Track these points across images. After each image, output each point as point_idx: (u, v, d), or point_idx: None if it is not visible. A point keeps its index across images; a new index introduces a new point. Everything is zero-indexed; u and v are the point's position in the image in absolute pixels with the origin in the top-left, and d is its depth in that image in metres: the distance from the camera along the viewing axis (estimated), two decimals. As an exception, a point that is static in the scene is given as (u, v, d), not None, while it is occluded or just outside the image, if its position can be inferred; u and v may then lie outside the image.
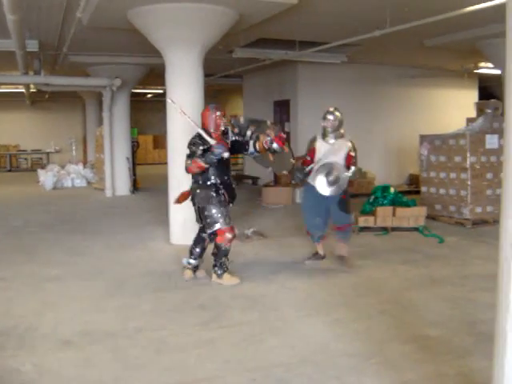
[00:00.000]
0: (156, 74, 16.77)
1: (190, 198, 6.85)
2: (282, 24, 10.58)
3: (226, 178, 6.78)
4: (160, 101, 29.68)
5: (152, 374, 4.43)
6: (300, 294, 6.45)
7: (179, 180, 8.88)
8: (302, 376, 4.34)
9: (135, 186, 16.51)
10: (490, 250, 8.37)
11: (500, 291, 2.70)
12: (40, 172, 19.84)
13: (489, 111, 11.46)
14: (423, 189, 11.66)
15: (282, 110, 16.61)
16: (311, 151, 7.52)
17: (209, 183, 6.63)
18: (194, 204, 6.80)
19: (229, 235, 6.58)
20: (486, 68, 15.34)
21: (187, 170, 6.50)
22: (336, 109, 7.52)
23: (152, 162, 27.43)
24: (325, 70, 15.34)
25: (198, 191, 6.64)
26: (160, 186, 16.72)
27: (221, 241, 6.59)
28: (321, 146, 7.43)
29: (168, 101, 6.56)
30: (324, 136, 7.47)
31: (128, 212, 12.80)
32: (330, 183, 7.20)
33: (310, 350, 4.84)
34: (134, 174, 16.57)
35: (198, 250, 7.04)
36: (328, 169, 7.21)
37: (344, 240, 7.65)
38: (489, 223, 10.44)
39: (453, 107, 17.31)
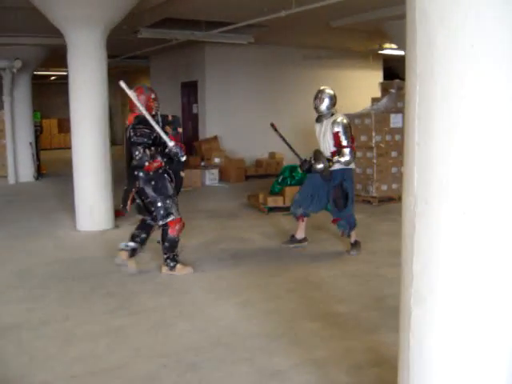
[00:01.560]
0: (59, 56, 16.23)
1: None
2: (188, 4, 10.44)
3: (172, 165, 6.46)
4: (64, 83, 28.85)
5: (60, 365, 4.30)
6: (210, 277, 6.43)
7: (84, 165, 8.73)
8: (214, 359, 4.32)
9: (39, 172, 15.96)
10: (395, 227, 8.47)
11: (404, 267, 2.75)
12: None
13: (393, 91, 11.72)
14: (330, 168, 11.80)
15: (190, 91, 16.47)
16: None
17: (160, 171, 6.24)
18: (143, 197, 6.30)
19: (179, 226, 6.32)
20: (391, 49, 15.68)
21: (144, 168, 6.05)
22: (326, 88, 7.32)
23: (57, 147, 26.62)
24: (232, 51, 15.29)
25: (152, 182, 6.17)
26: (66, 171, 16.26)
27: (173, 232, 6.27)
28: (316, 128, 7.32)
29: (121, 84, 6.13)
30: (318, 117, 7.28)
31: (32, 199, 12.37)
32: (318, 171, 7.05)
33: (221, 333, 4.83)
34: (38, 160, 16.00)
35: (143, 235, 6.57)
36: (315, 156, 7.14)
37: (343, 231, 7.28)
38: (394, 200, 10.72)
39: (359, 87, 17.62)
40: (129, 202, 6.24)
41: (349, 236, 7.27)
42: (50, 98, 28.08)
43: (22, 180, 15.28)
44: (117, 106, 25.83)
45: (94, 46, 8.71)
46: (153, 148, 6.04)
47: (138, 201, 6.36)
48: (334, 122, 6.94)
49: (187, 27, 12.83)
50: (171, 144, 6.02)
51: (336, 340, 4.59)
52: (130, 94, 6.15)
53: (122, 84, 6.13)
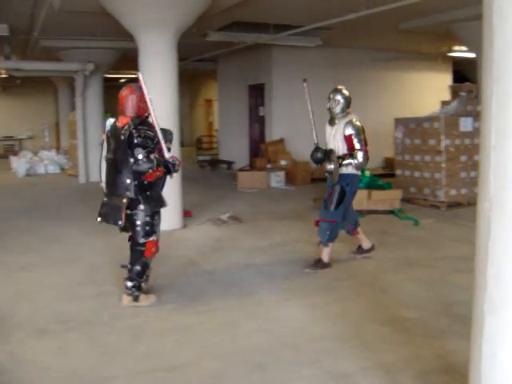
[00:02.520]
0: (129, 59, 16.60)
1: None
2: (257, 7, 10.51)
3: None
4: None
5: (128, 360, 4.41)
6: (277, 279, 6.45)
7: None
8: (280, 360, 4.34)
9: (110, 172, 16.32)
10: (464, 232, 8.45)
11: (477, 272, 2.70)
12: (12, 159, 19.57)
13: (463, 94, 11.49)
14: (398, 172, 11.70)
15: (257, 94, 16.56)
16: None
17: (155, 181, 5.48)
18: (134, 212, 5.40)
19: (155, 248, 5.57)
20: (460, 51, 15.39)
21: (145, 175, 5.28)
22: (341, 87, 6.87)
23: (126, 148, 27.12)
24: (299, 53, 15.28)
25: (147, 193, 5.37)
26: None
27: (148, 255, 5.49)
28: (326, 130, 6.82)
29: (140, 76, 5.33)
30: (331, 119, 6.78)
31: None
32: (327, 172, 6.63)
33: (288, 334, 4.84)
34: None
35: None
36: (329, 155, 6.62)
37: (320, 240, 6.76)
38: (463, 205, 10.51)
39: (427, 90, 17.37)
40: (123, 216, 5.28)
41: (324, 245, 6.66)
42: (120, 100, 28.68)
43: (92, 180, 15.64)
44: (184, 107, 26.17)
45: (166, 49, 8.88)
46: (156, 155, 5.30)
47: (128, 212, 5.40)
48: (347, 124, 6.53)
49: (255, 30, 12.91)
50: (168, 155, 5.38)
51: (404, 345, 4.54)
52: (145, 90, 5.34)
53: (141, 77, 5.36)
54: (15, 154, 22.75)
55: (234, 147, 17.95)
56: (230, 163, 17.81)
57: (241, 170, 14.93)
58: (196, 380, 4.09)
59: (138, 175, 5.25)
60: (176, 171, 5.49)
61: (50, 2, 9.01)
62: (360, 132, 6.54)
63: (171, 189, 8.94)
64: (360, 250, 7.29)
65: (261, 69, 16.10)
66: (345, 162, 6.49)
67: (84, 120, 15.55)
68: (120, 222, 5.33)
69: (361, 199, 9.83)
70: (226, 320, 5.21)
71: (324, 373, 4.12)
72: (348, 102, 6.70)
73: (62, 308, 5.62)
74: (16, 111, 27.42)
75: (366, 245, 7.25)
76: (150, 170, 5.21)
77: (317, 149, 6.78)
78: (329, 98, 6.70)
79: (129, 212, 5.36)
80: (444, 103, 12.02)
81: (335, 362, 4.29)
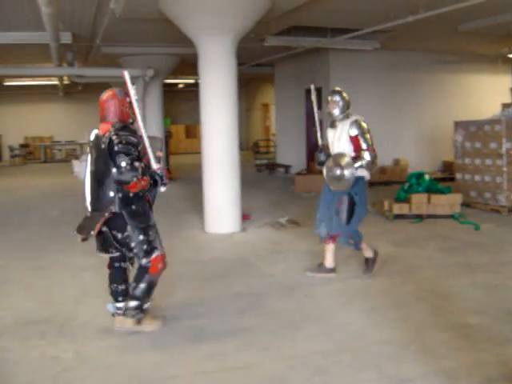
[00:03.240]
0: (188, 64, 16.86)
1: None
2: (314, 11, 10.53)
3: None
4: (192, 91, 29.93)
5: (190, 360, 4.48)
6: (336, 282, 6.45)
7: (213, 169, 9.00)
8: (341, 364, 4.34)
9: (169, 176, 16.58)
10: (527, 237, 8.28)
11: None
12: (74, 163, 20.08)
13: (525, 96, 11.28)
14: (458, 176, 11.53)
15: (314, 97, 16.52)
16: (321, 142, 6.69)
17: (141, 194, 4.90)
18: (114, 229, 4.90)
19: (162, 264, 5.09)
20: (521, 53, 15.09)
21: (129, 185, 4.68)
22: (339, 89, 6.52)
23: (184, 152, 27.52)
24: (357, 57, 15.22)
25: (132, 207, 4.82)
26: (193, 175, 16.84)
27: (155, 272, 5.00)
28: (328, 134, 6.48)
29: (126, 76, 4.78)
30: (332, 121, 6.44)
31: (162, 201, 12.77)
32: (335, 178, 6.24)
33: (348, 338, 4.84)
34: (168, 164, 16.66)
35: (122, 287, 5.20)
36: (334, 161, 6.24)
37: (353, 244, 6.53)
38: (526, 210, 10.30)
39: (487, 93, 17.05)
40: (97, 227, 4.79)
41: (357, 249, 6.54)
42: (178, 105, 29.11)
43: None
44: (241, 111, 26.35)
45: (225, 54, 8.99)
46: (142, 163, 4.76)
47: (104, 229, 4.91)
48: (352, 124, 6.21)
49: (312, 34, 12.92)
50: (156, 166, 4.88)
51: (466, 351, 4.48)
52: (131, 89, 4.84)
53: (127, 76, 4.82)
54: (77, 157, 23.34)
55: (291, 151, 17.99)
56: (287, 167, 17.86)
57: (298, 173, 14.96)
58: (257, 382, 4.13)
59: (121, 187, 4.72)
60: (164, 184, 4.94)
61: (111, 9, 9.21)
62: (365, 131, 6.22)
63: (230, 192, 9.10)
64: (321, 266, 6.75)
65: (318, 73, 16.09)
66: (356, 164, 6.11)
67: (145, 125, 15.76)
68: (92, 233, 4.81)
69: (420, 203, 9.76)
70: (285, 323, 5.24)
71: (385, 377, 4.10)
72: (347, 103, 6.39)
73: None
74: (78, 116, 28.11)
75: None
76: (135, 179, 4.62)
77: (320, 150, 6.55)
78: (327, 101, 6.41)
79: (120, 236, 4.87)
80: (505, 106, 11.81)
81: (396, 366, 4.27)
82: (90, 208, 5.03)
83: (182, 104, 29.66)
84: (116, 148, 4.65)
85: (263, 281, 6.51)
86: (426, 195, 9.85)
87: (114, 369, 4.38)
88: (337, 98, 6.34)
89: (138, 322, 5.05)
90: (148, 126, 15.78)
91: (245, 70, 18.91)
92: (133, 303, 4.99)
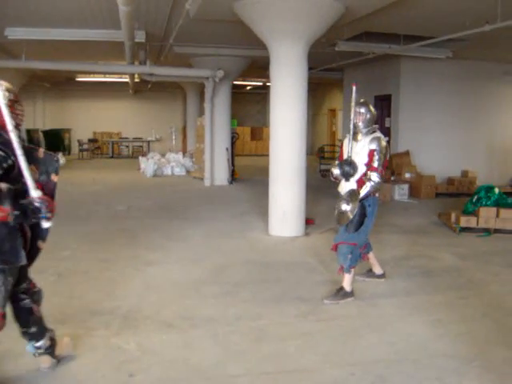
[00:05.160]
0: (256, 67, 16.95)
1: None
2: (388, 17, 10.43)
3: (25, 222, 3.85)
4: (259, 93, 30.18)
5: (252, 361, 4.51)
6: (399, 292, 6.37)
7: (280, 172, 9.02)
8: (402, 374, 4.29)
9: (233, 177, 16.72)
10: None
11: None
12: (141, 159, 20.48)
13: None
14: (529, 190, 11.22)
15: (383, 104, 16.36)
16: (341, 152, 6.42)
17: (12, 224, 3.67)
18: None
19: None
20: None
21: None
22: (367, 101, 6.31)
23: (249, 154, 27.67)
24: (428, 65, 15.00)
25: None
26: (257, 177, 16.94)
27: None
28: (347, 145, 6.14)
29: None
30: (355, 133, 6.16)
31: (226, 202, 12.95)
32: (340, 212, 6.05)
33: (410, 349, 4.78)
34: (233, 165, 16.78)
35: (33, 329, 4.19)
36: (345, 199, 6.05)
37: (342, 266, 6.12)
38: None
39: None
40: None
41: (347, 272, 6.06)
42: (245, 107, 29.27)
43: (216, 183, 16.08)
44: (307, 115, 26.32)
45: (297, 58, 8.99)
46: (3, 184, 3.53)
47: None
48: (373, 140, 5.99)
49: (384, 40, 12.80)
50: (35, 194, 3.61)
51: (533, 371, 4.37)
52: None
53: None
54: (143, 155, 23.76)
55: (357, 158, 17.84)
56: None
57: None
58: (317, 386, 4.13)
59: None
60: (39, 219, 3.63)
61: (186, 10, 9.33)
62: (382, 151, 5.98)
63: (296, 195, 9.10)
64: (370, 273, 6.85)
65: (388, 79, 15.93)
66: (362, 192, 5.90)
67: (212, 125, 15.99)
68: None
69: (489, 217, 9.53)
70: (347, 329, 5.20)
71: (447, 391, 4.04)
72: (373, 117, 6.15)
73: (187, 304, 5.83)
74: (145, 114, 28.62)
75: (378, 271, 6.80)
76: None
77: (349, 162, 6.07)
78: (353, 112, 6.11)
79: None
80: None
81: (458, 381, 4.19)
82: None
83: (248, 106, 29.82)
84: None
85: (325, 286, 6.47)
86: (495, 209, 9.61)
87: (175, 363, 4.45)
88: (362, 109, 6.11)
89: None
90: (215, 126, 15.98)
91: (313, 75, 18.88)
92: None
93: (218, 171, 16.12)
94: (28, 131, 24.92)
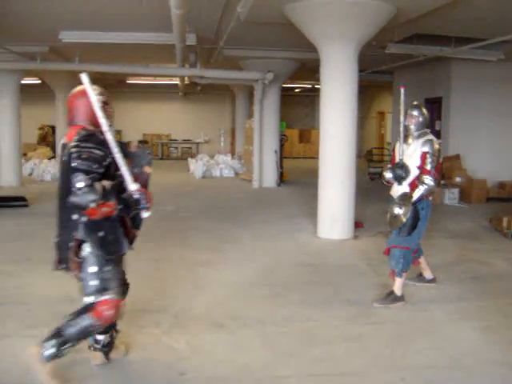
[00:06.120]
0: (305, 69, 16.92)
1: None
2: (439, 19, 10.30)
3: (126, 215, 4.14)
4: (307, 95, 30.13)
5: (301, 363, 4.53)
6: (449, 297, 6.30)
7: (329, 175, 9.00)
8: (453, 380, 4.27)
9: (281, 179, 16.74)
10: None
11: None
12: (190, 161, 20.68)
13: None
14: None
15: (433, 107, 16.17)
16: (393, 155, 6.37)
17: (114, 216, 3.97)
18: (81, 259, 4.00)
19: (112, 312, 4.03)
20: None
21: (86, 211, 3.76)
22: (420, 103, 6.24)
23: (297, 156, 27.64)
24: (480, 67, 14.70)
25: (100, 233, 3.94)
26: (304, 179, 16.93)
27: (97, 317, 3.95)
28: (399, 149, 6.08)
29: (83, 78, 3.88)
30: (406, 136, 6.12)
31: (275, 204, 12.98)
32: (392, 216, 6.02)
33: (461, 355, 4.73)
34: (281, 167, 16.81)
35: None
36: (397, 202, 6.02)
37: (393, 270, 6.06)
38: None
39: None
40: (73, 266, 4.00)
41: (398, 276, 5.99)
42: (293, 109, 29.24)
43: (265, 185, 16.12)
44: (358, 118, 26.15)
45: (347, 60, 8.99)
46: (106, 182, 3.87)
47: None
48: (425, 142, 5.93)
49: (435, 42, 12.66)
50: (133, 187, 3.93)
51: None
52: (92, 93, 3.92)
53: (84, 78, 3.92)
54: (193, 156, 23.97)
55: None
56: (401, 177, 17.53)
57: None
58: (368, 390, 4.13)
59: (80, 210, 3.81)
60: (139, 210, 4.01)
61: (237, 13, 9.40)
62: (435, 153, 5.92)
63: (345, 198, 9.08)
64: (421, 278, 6.77)
65: (439, 82, 15.73)
66: (415, 195, 5.88)
67: (261, 127, 16.04)
68: (75, 273, 4.06)
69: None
70: (396, 333, 5.19)
71: (499, 398, 3.99)
72: (425, 120, 6.10)
73: (237, 305, 5.88)
74: (194, 116, 28.86)
75: (429, 275, 6.72)
76: (93, 205, 3.71)
77: (401, 165, 6.00)
78: (406, 114, 6.08)
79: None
80: None
81: (511, 388, 4.14)
82: (57, 233, 4.12)
83: (296, 108, 29.78)
84: (73, 164, 3.77)
85: (374, 289, 6.44)
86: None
87: (224, 363, 4.50)
88: (415, 112, 6.07)
89: (42, 360, 3.85)
90: (264, 128, 16.02)
91: (363, 77, 18.74)
92: (51, 340, 3.88)
93: (266, 173, 16.16)
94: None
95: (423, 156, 5.91)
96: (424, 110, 6.12)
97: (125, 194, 3.93)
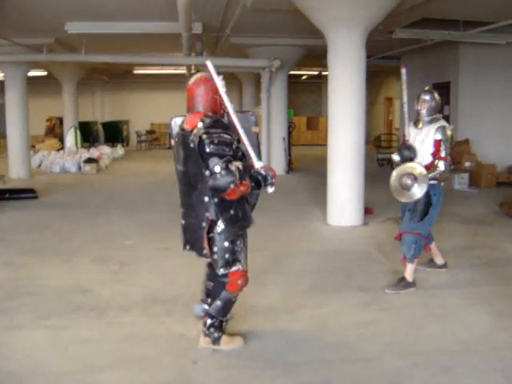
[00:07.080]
0: (312, 56, 16.85)
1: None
2: (447, 3, 10.23)
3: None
4: (314, 83, 30.01)
5: (313, 349, 4.55)
6: (461, 282, 6.30)
7: (338, 162, 8.97)
8: (466, 365, 4.26)
9: (290, 167, 16.72)
10: None
11: None
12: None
13: None
14: None
15: (442, 92, 15.99)
16: (403, 140, 6.39)
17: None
18: (210, 235, 4.30)
19: (243, 280, 4.46)
20: None
21: (226, 192, 3.99)
22: (432, 88, 6.26)
23: (305, 143, 27.58)
24: (488, 51, 14.60)
25: (231, 211, 4.21)
26: (313, 167, 16.90)
27: (233, 288, 4.40)
28: (410, 133, 6.16)
29: (209, 65, 4.14)
30: (417, 121, 6.14)
31: (284, 192, 12.93)
32: (405, 187, 5.94)
33: (473, 340, 4.73)
34: (290, 155, 16.78)
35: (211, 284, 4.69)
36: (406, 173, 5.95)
37: (405, 255, 6.03)
38: None
39: None
40: (206, 246, 4.29)
41: (410, 262, 5.97)
42: (300, 97, 29.15)
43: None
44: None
45: (355, 46, 8.94)
46: (238, 163, 4.08)
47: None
48: (438, 129, 5.90)
49: (443, 27, 12.56)
50: (259, 165, 4.21)
51: None
52: (218, 81, 4.19)
53: (210, 65, 4.17)
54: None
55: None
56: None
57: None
58: (379, 375, 4.13)
59: (219, 192, 4.04)
60: (268, 185, 4.25)
61: (243, 0, 9.36)
62: (448, 140, 5.91)
63: (354, 185, 9.06)
64: (432, 263, 6.72)
65: (447, 66, 15.63)
66: (430, 175, 5.85)
67: (268, 115, 16.01)
68: (205, 251, 4.31)
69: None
70: (409, 319, 5.18)
71: (511, 383, 3.97)
72: (437, 105, 6.07)
73: (248, 293, 5.80)
74: (202, 105, 28.76)
75: (440, 261, 6.69)
76: (232, 186, 3.92)
77: (408, 147, 6.07)
78: (418, 98, 6.08)
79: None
80: None
81: (524, 372, 4.13)
82: (182, 211, 4.54)
83: (304, 96, 29.68)
84: (207, 149, 3.99)
85: (386, 276, 6.44)
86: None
87: (237, 351, 4.51)
88: (428, 97, 6.03)
89: (215, 341, 4.50)
90: (272, 116, 15.98)
91: (370, 63, 18.63)
92: (209, 321, 4.48)
93: (274, 161, 16.11)
94: (87, 123, 25.52)
95: (437, 143, 5.88)
96: (436, 95, 6.07)
97: (252, 171, 4.18)
